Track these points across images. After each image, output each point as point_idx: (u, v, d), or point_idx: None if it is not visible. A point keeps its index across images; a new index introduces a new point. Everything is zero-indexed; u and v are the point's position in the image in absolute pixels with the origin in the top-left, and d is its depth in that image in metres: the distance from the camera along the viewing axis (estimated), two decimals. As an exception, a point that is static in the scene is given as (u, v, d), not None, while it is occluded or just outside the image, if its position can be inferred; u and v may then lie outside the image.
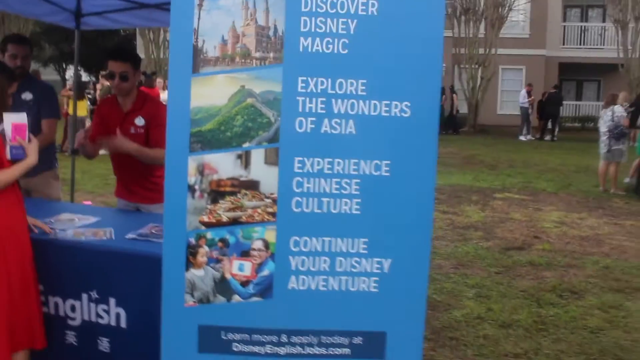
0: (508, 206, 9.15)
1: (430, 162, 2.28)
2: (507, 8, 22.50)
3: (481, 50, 22.66)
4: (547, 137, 20.81)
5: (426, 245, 2.33)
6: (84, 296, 3.01)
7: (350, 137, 2.27)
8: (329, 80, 2.25)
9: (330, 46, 2.24)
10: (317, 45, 2.24)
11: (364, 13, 2.23)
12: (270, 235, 2.31)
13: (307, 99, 2.26)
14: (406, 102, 2.26)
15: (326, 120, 2.27)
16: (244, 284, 2.32)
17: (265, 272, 2.31)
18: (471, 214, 8.44)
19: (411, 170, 2.28)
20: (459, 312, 4.75)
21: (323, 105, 2.26)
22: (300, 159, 2.28)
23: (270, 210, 2.29)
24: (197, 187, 2.29)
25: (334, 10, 2.23)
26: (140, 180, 3.88)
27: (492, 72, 22.93)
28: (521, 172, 12.84)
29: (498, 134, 22.04)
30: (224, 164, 2.28)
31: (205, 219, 2.30)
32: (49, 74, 30.90)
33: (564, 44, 27.00)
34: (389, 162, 2.28)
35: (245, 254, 2.32)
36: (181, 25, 2.24)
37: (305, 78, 2.25)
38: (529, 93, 20.99)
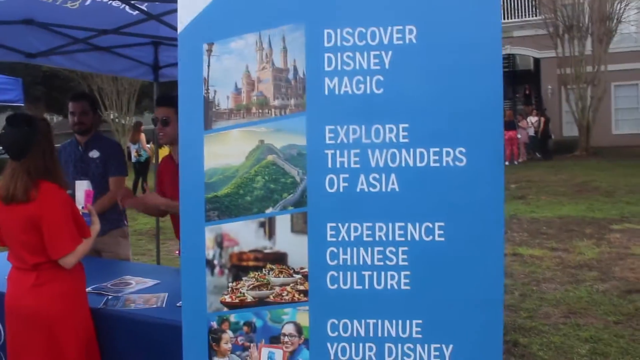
0: (628, 239, 8.12)
1: (496, 221, 1.81)
2: (615, 21, 20.95)
3: (589, 69, 21.18)
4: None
5: (497, 325, 1.84)
6: (132, 368, 2.79)
7: (393, 195, 1.86)
8: (363, 127, 1.87)
9: (362, 86, 1.86)
10: (346, 86, 1.87)
11: (401, 42, 1.84)
12: (303, 317, 1.92)
13: (338, 152, 1.88)
14: (460, 148, 1.82)
15: (362, 177, 1.88)
16: (276, 376, 1.93)
17: (300, 362, 1.92)
18: (584, 251, 7.55)
19: (472, 233, 1.82)
20: (571, 373, 4.08)
21: (357, 159, 1.88)
22: (334, 224, 1.89)
23: (300, 287, 1.91)
24: (216, 262, 1.96)
25: (363, 42, 1.85)
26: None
27: (602, 90, 21.35)
28: (643, 199, 11.57)
29: (615, 156, 20.33)
30: (245, 234, 1.94)
31: (228, 299, 1.96)
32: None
33: (684, 54, 24.79)
34: (442, 224, 1.84)
35: (275, 340, 1.95)
36: (190, 75, 1.95)
37: (333, 127, 1.88)
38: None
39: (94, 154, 4.27)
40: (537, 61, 25.40)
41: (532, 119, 21.46)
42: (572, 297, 5.72)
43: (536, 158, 21.04)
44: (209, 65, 1.93)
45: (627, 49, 23.73)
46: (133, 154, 13.97)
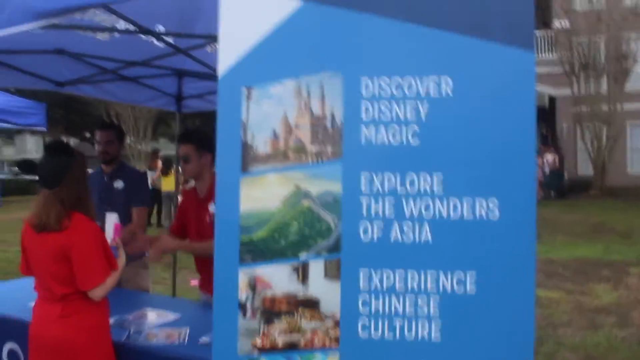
0: (646, 283, 8.02)
1: (528, 274, 1.81)
2: (631, 60, 20.96)
3: (605, 107, 21.15)
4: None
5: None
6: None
7: (426, 246, 1.87)
8: (398, 176, 1.89)
9: (398, 136, 1.89)
10: (382, 135, 1.90)
11: (437, 95, 1.87)
12: (333, 364, 1.91)
13: (373, 200, 1.90)
14: (494, 200, 1.83)
15: (396, 225, 1.89)
16: (304, 423, 1.93)
17: (329, 409, 1.91)
18: (601, 294, 7.45)
19: (503, 285, 1.82)
20: None
21: (392, 207, 1.89)
22: (367, 272, 1.90)
23: (332, 334, 1.91)
24: (248, 304, 1.97)
25: (400, 93, 1.88)
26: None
27: (618, 129, 21.27)
28: (661, 242, 11.41)
29: (630, 197, 20.14)
30: (278, 278, 1.95)
31: (259, 342, 1.96)
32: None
33: (700, 94, 24.65)
34: (474, 275, 1.84)
35: (304, 385, 1.94)
36: (229, 118, 1.98)
37: (369, 174, 1.90)
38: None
39: (119, 184, 4.30)
40: (552, 99, 25.39)
41: (549, 157, 21.40)
42: (590, 343, 5.63)
43: (550, 196, 20.92)
44: (247, 110, 1.97)
45: (643, 88, 23.66)
46: (149, 181, 14.05)
